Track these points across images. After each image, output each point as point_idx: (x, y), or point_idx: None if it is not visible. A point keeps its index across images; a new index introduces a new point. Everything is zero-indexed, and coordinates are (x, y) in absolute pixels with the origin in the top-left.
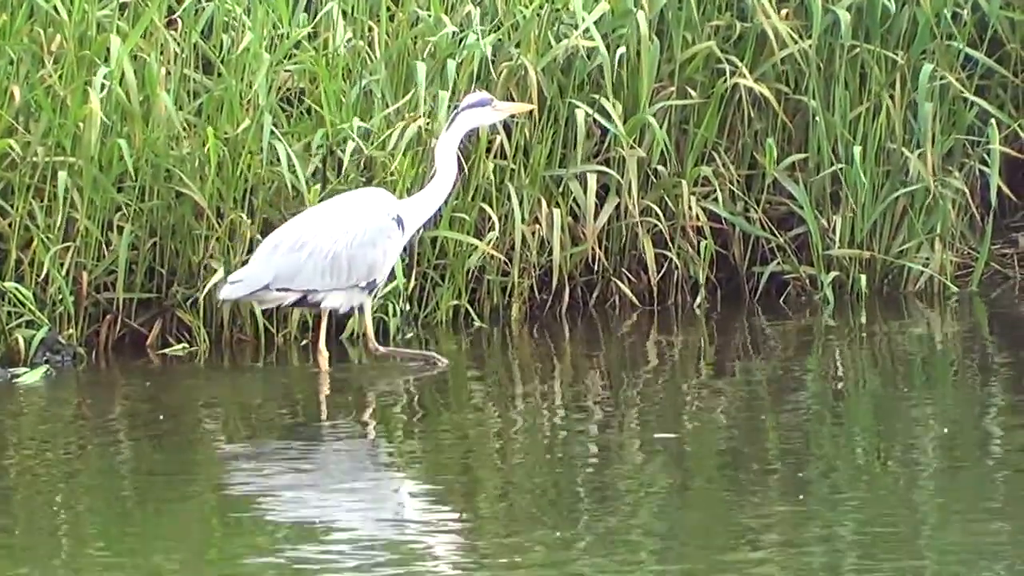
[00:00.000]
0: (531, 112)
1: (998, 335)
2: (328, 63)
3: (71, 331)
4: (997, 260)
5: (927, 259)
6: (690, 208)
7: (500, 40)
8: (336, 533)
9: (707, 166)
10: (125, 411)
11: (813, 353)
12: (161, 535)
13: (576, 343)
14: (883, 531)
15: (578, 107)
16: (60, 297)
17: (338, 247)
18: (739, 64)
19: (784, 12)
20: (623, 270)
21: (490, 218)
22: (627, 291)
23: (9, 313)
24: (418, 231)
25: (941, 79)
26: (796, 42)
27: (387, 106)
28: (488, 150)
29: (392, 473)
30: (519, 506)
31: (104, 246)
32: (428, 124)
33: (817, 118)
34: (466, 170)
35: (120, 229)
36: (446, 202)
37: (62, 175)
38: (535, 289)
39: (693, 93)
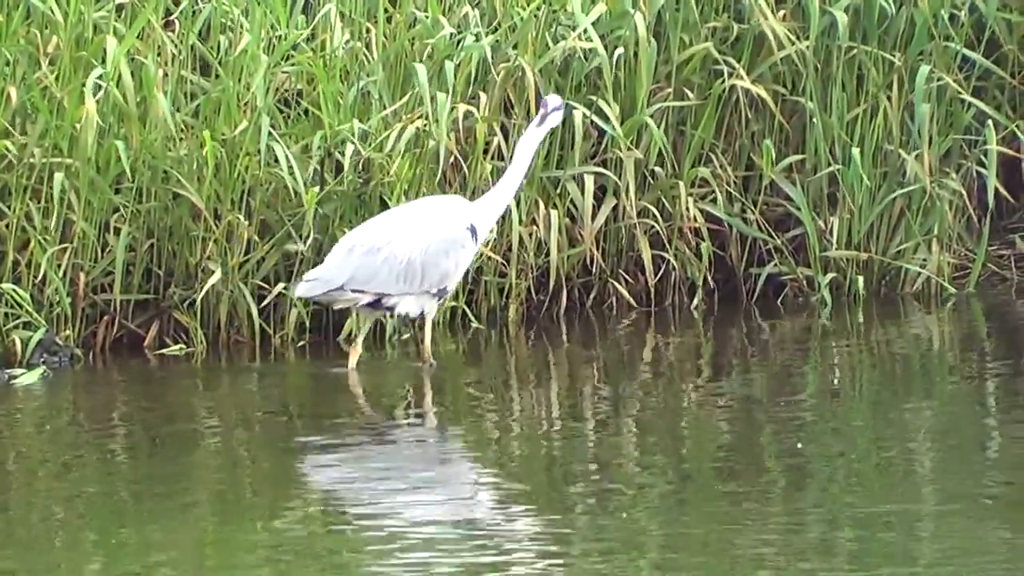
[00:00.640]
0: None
1: (995, 336)
2: (326, 64)
3: (68, 332)
4: (994, 261)
5: (924, 260)
6: (687, 209)
7: (498, 41)
8: (340, 536)
9: (704, 167)
10: (122, 412)
11: (810, 354)
12: (157, 537)
13: (573, 344)
14: (881, 536)
15: (576, 108)
16: (57, 298)
17: (413, 254)
18: (736, 65)
19: (781, 13)
20: (620, 271)
21: None
22: (624, 292)
23: (6, 314)
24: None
25: (938, 80)
26: (793, 43)
27: (385, 107)
28: (486, 151)
29: (393, 473)
30: (513, 511)
31: (101, 247)
32: (426, 126)
33: (814, 119)
34: (465, 170)
35: (117, 230)
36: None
37: (59, 176)
38: (532, 290)
39: (690, 94)
